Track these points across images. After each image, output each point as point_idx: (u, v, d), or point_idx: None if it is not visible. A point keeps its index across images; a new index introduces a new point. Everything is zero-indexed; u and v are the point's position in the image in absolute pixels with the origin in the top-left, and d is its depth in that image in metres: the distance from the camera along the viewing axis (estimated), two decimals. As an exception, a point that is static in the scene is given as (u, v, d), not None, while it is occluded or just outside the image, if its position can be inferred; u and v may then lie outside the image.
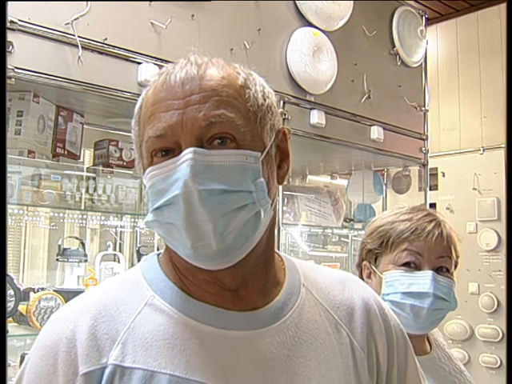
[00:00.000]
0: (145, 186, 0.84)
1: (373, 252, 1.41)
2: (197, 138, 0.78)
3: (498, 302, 3.54)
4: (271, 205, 0.83)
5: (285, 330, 0.85)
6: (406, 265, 1.35)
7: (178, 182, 0.76)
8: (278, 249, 2.25)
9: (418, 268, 1.35)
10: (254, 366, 0.81)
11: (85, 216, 2.35)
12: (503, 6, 3.69)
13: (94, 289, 0.95)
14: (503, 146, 3.63)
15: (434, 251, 1.35)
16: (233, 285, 0.84)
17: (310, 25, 2.40)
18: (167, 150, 0.80)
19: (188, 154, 0.77)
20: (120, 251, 2.66)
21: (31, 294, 1.86)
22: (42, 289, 1.91)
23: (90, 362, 0.77)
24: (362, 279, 1.39)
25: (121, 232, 2.78)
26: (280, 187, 2.31)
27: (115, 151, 2.07)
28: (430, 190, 3.31)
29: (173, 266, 0.87)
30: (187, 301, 0.83)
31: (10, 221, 2.01)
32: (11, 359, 1.73)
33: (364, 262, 1.44)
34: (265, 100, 0.85)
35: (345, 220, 3.05)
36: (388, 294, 1.34)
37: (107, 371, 0.77)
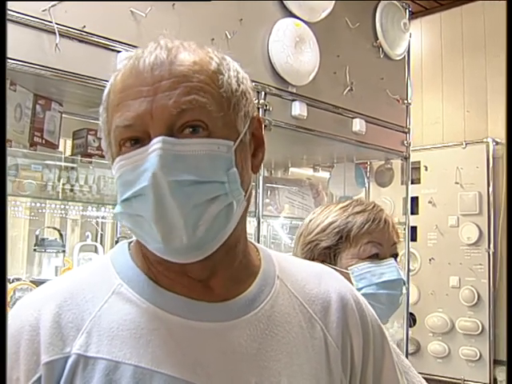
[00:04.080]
0: None
1: (331, 249, 1.36)
2: (167, 127, 0.75)
3: (479, 295, 3.57)
4: (245, 196, 0.81)
5: (256, 323, 0.83)
6: (371, 257, 1.34)
7: (147, 172, 0.73)
8: (258, 241, 2.24)
9: (380, 258, 1.35)
10: (223, 359, 0.79)
11: (65, 206, 2.32)
12: (488, 2, 3.69)
13: (62, 276, 0.93)
14: (485, 140, 3.65)
15: (390, 239, 1.37)
16: (202, 275, 0.82)
17: (293, 16, 2.38)
18: (136, 139, 0.77)
19: (157, 143, 0.74)
20: (101, 242, 2.64)
21: (7, 284, 1.83)
22: (18, 279, 1.89)
23: (53, 350, 0.75)
24: None
25: (102, 223, 2.76)
26: (261, 179, 2.30)
27: (94, 141, 2.05)
28: (413, 183, 3.32)
29: (142, 255, 0.85)
30: (156, 290, 0.81)
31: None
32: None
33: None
34: (239, 86, 0.82)
35: (326, 213, 3.05)
36: (362, 288, 1.31)
37: (70, 361, 0.75)
